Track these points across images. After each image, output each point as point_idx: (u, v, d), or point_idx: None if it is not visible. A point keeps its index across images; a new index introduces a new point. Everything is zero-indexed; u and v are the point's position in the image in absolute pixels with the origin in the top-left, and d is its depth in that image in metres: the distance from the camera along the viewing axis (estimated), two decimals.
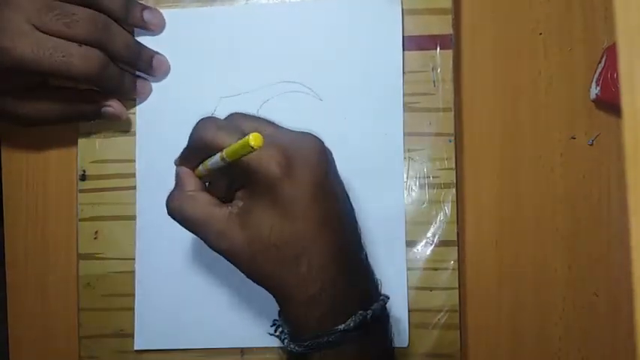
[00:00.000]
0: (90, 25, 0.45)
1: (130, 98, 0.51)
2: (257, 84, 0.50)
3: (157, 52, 0.50)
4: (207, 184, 0.42)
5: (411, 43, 0.49)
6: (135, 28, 0.50)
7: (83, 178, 0.51)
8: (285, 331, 0.40)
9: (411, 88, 0.49)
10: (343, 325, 0.37)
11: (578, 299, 0.49)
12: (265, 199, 0.37)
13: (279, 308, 0.40)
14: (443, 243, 0.49)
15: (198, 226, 0.40)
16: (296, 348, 0.38)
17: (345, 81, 0.50)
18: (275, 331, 0.41)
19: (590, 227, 0.50)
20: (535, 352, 0.49)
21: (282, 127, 0.41)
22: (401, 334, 0.48)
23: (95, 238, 0.51)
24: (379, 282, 0.42)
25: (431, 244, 0.49)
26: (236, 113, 0.41)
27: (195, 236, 0.40)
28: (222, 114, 0.50)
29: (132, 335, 0.50)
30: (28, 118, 0.48)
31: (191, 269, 0.50)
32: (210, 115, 0.41)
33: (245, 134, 0.34)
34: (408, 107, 0.49)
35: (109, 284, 0.50)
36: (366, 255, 0.42)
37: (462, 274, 0.49)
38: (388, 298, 0.41)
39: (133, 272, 0.50)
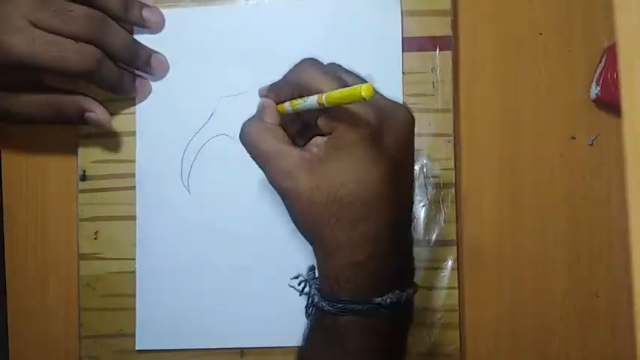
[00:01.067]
0: (86, 22, 0.45)
1: (130, 97, 0.51)
2: (257, 83, 0.49)
3: (156, 52, 0.50)
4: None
5: (411, 44, 0.50)
6: (135, 27, 0.50)
7: (83, 178, 0.51)
8: (314, 287, 0.39)
9: (411, 89, 0.49)
10: (380, 299, 0.37)
11: (578, 299, 0.49)
12: (350, 154, 0.36)
13: (311, 264, 0.39)
14: (442, 243, 0.49)
15: (267, 158, 0.39)
16: (327, 307, 0.37)
17: None
18: (299, 284, 0.40)
19: (590, 227, 0.50)
20: (535, 352, 0.49)
21: (378, 91, 0.38)
22: None
23: (95, 239, 0.51)
24: (414, 267, 0.41)
25: (430, 244, 0.49)
26: (335, 64, 0.40)
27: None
28: (221, 113, 0.50)
29: (132, 335, 0.50)
30: (18, 115, 0.48)
31: (191, 269, 0.50)
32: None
33: (345, 85, 0.33)
34: None
35: (109, 284, 0.50)
36: (411, 235, 0.41)
37: (462, 274, 0.49)
38: (418, 287, 0.40)
39: (133, 272, 0.50)
